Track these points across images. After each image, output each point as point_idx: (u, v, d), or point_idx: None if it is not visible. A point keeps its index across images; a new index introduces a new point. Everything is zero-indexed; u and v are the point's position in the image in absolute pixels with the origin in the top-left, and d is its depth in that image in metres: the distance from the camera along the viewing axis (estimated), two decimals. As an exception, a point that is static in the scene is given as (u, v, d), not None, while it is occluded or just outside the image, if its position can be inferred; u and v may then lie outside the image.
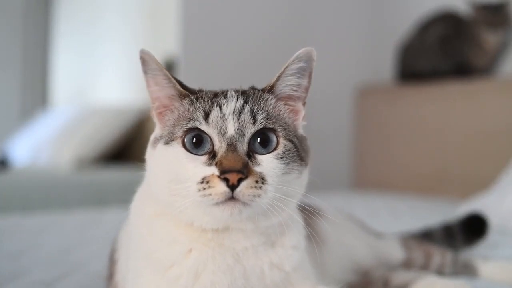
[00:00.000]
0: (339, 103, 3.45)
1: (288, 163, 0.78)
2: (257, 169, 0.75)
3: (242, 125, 0.77)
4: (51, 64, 5.26)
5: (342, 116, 3.45)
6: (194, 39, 2.99)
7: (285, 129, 0.81)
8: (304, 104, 0.86)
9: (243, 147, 0.76)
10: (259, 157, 0.77)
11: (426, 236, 1.41)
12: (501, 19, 2.63)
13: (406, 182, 2.93)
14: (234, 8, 3.11)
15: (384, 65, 3.34)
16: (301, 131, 0.86)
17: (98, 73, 4.57)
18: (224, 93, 0.81)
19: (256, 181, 0.74)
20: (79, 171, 3.35)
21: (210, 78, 2.90)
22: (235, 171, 0.72)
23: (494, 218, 1.72)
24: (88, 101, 4.55)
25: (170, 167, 0.77)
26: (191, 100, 0.81)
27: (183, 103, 0.81)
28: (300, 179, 0.82)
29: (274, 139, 0.79)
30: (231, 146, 0.75)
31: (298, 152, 0.81)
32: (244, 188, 0.73)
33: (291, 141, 0.80)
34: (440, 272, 1.22)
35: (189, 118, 0.78)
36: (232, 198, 0.73)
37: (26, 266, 1.33)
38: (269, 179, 0.75)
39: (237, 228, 0.80)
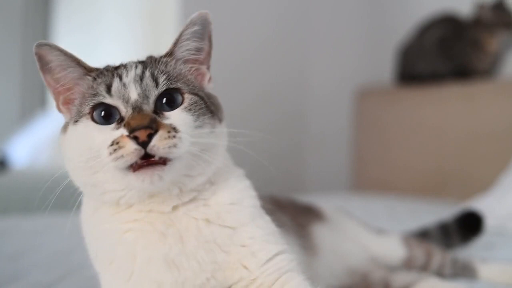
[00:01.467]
0: (338, 105, 3.46)
1: (198, 115, 0.78)
2: (166, 121, 0.74)
3: (145, 89, 0.76)
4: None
5: (342, 117, 3.45)
6: None
7: (189, 85, 0.81)
8: (208, 68, 0.86)
9: (149, 107, 0.75)
10: (167, 113, 0.76)
11: (423, 234, 1.41)
12: (506, 21, 2.63)
13: (405, 184, 2.93)
14: (233, 10, 3.12)
15: (384, 67, 3.34)
16: (209, 90, 0.85)
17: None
18: (124, 65, 0.81)
19: (169, 131, 0.72)
20: (78, 173, 3.34)
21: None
22: (143, 128, 0.71)
23: (492, 219, 1.72)
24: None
25: (83, 143, 0.76)
26: (93, 77, 0.80)
27: (86, 80, 0.80)
28: (215, 133, 0.80)
29: (179, 97, 0.78)
30: (137, 108, 0.75)
31: (206, 105, 0.80)
32: (158, 141, 0.71)
33: (196, 94, 0.80)
34: (439, 272, 1.22)
35: (93, 94, 0.77)
36: (146, 157, 0.71)
37: (25, 268, 1.33)
38: (181, 128, 0.74)
39: (163, 195, 0.78)
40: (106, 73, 0.80)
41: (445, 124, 2.81)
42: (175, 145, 0.72)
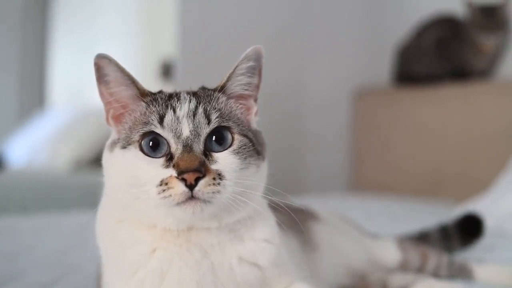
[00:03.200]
0: (336, 106, 3.46)
1: (245, 158, 0.80)
2: (213, 166, 0.76)
3: (197, 126, 0.78)
4: (48, 65, 5.25)
5: (340, 118, 3.46)
6: (192, 40, 2.99)
7: (239, 125, 0.82)
8: (255, 100, 0.87)
9: (199, 147, 0.77)
10: (216, 155, 0.78)
11: (423, 237, 1.41)
12: (495, 24, 2.63)
13: (402, 185, 2.93)
14: (232, 10, 3.12)
15: (382, 68, 3.34)
16: (255, 125, 0.87)
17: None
18: (178, 95, 0.82)
19: (214, 178, 0.75)
20: (76, 172, 3.34)
21: (207, 79, 2.90)
22: (192, 171, 0.73)
23: (490, 220, 1.72)
24: (86, 102, 4.53)
25: (129, 172, 0.78)
26: (147, 102, 0.81)
27: (140, 106, 0.81)
28: (259, 172, 0.82)
29: (229, 136, 0.80)
30: (187, 147, 0.76)
31: (253, 146, 0.82)
32: (203, 187, 0.74)
33: (245, 136, 0.82)
34: (435, 274, 1.22)
35: (145, 122, 0.79)
36: (192, 197, 0.74)
37: (23, 268, 1.33)
38: (226, 174, 0.76)
39: (202, 227, 0.80)
40: (159, 101, 0.81)
41: (442, 124, 2.81)
42: (218, 191, 0.75)
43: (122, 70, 0.80)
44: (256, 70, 0.85)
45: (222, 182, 0.75)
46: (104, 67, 0.80)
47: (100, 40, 4.59)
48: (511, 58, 2.75)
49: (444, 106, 2.81)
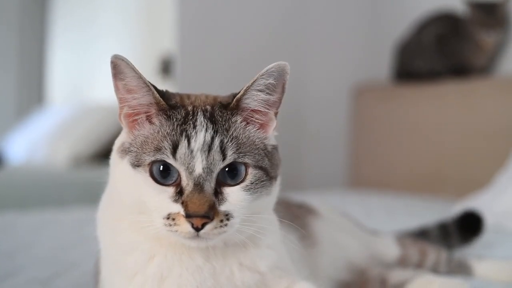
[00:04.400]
0: (335, 102, 3.45)
1: (257, 191, 0.77)
2: (222, 208, 0.75)
3: (211, 163, 0.75)
4: (47, 62, 5.24)
5: (339, 115, 3.45)
6: (191, 37, 2.98)
7: (255, 155, 0.78)
8: (276, 114, 0.82)
9: (210, 185, 0.75)
10: (226, 191, 0.76)
11: (422, 234, 1.41)
12: (495, 20, 2.63)
13: (402, 181, 2.93)
14: (231, 6, 3.11)
15: (381, 64, 3.34)
16: (272, 142, 0.83)
17: (95, 71, 4.55)
18: (194, 119, 0.77)
19: (221, 220, 0.74)
20: (75, 169, 3.34)
21: (206, 76, 2.90)
22: (200, 216, 0.73)
23: (489, 217, 1.72)
24: (85, 99, 4.53)
25: (137, 192, 0.76)
26: (162, 119, 0.77)
27: (153, 123, 0.78)
28: (270, 196, 0.81)
29: (243, 169, 0.77)
30: (198, 186, 0.74)
31: (267, 175, 0.79)
32: (209, 230, 0.74)
33: (260, 167, 0.78)
34: (434, 270, 1.22)
35: (157, 148, 0.75)
36: (198, 235, 0.74)
37: (21, 264, 1.33)
38: (235, 213, 0.75)
39: None
40: (174, 123, 0.76)
41: (442, 121, 2.81)
42: (224, 232, 0.75)
43: (139, 77, 0.77)
44: (277, 87, 0.79)
45: (229, 223, 0.75)
46: (120, 65, 0.77)
47: (99, 37, 4.58)
48: (511, 54, 2.75)
49: (444, 102, 2.81)
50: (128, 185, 0.78)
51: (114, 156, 0.82)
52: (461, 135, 2.69)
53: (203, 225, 0.73)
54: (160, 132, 0.76)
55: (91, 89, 4.63)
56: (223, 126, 0.77)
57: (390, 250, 1.24)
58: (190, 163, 0.74)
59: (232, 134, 0.77)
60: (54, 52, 5.19)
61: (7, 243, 1.56)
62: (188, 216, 0.73)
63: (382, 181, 3.04)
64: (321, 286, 0.88)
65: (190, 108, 0.79)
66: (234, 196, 0.76)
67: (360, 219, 1.36)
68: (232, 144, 0.76)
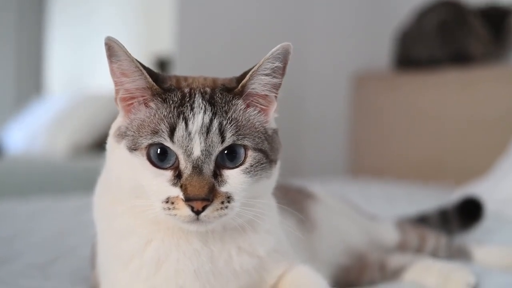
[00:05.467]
0: (335, 90, 3.44)
1: (256, 174, 0.76)
2: (223, 189, 0.74)
3: (209, 145, 0.73)
4: (46, 51, 5.22)
5: (339, 103, 3.44)
6: (189, 35, 2.97)
7: (255, 137, 0.77)
8: (276, 96, 0.81)
9: (209, 167, 0.73)
10: (226, 173, 0.75)
11: (422, 220, 1.41)
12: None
13: (402, 169, 2.93)
14: (229, 4, 3.08)
15: (382, 52, 3.32)
16: (272, 125, 0.82)
17: (93, 60, 4.54)
18: (191, 101, 0.75)
19: (222, 202, 0.73)
20: (74, 158, 3.33)
21: (204, 74, 2.88)
22: (200, 199, 0.71)
23: (489, 204, 1.72)
24: (83, 87, 4.52)
25: (134, 176, 0.75)
26: (158, 102, 0.76)
27: (149, 107, 0.76)
28: (269, 181, 0.80)
29: (242, 151, 0.76)
30: (197, 169, 0.72)
31: (267, 158, 0.78)
32: (210, 212, 0.72)
33: (260, 150, 0.77)
34: (434, 255, 1.22)
35: (154, 130, 0.74)
36: (198, 219, 0.73)
37: (19, 250, 1.33)
38: (235, 196, 0.74)
39: None
40: (171, 105, 0.75)
41: (442, 109, 2.80)
42: (225, 214, 0.74)
43: (131, 60, 0.75)
44: (281, 69, 0.79)
45: (230, 205, 0.73)
46: (114, 47, 0.75)
47: (97, 28, 4.57)
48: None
49: (445, 90, 2.79)
50: (125, 170, 0.76)
51: (111, 140, 0.80)
52: (462, 123, 2.69)
53: (203, 208, 0.72)
54: (156, 115, 0.75)
55: (89, 77, 4.62)
56: (222, 108, 0.76)
57: (390, 235, 1.24)
58: (188, 146, 0.73)
59: (231, 116, 0.76)
60: (52, 41, 5.17)
61: (5, 230, 1.55)
62: (188, 199, 0.71)
63: (382, 169, 3.04)
64: (319, 270, 0.88)
65: (187, 90, 0.77)
66: (234, 179, 0.75)
67: (360, 206, 1.36)
68: (231, 126, 0.75)
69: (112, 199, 0.82)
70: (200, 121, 0.74)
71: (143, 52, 3.94)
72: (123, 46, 0.75)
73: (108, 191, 0.83)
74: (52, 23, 5.16)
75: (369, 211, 1.34)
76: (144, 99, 0.77)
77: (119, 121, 0.80)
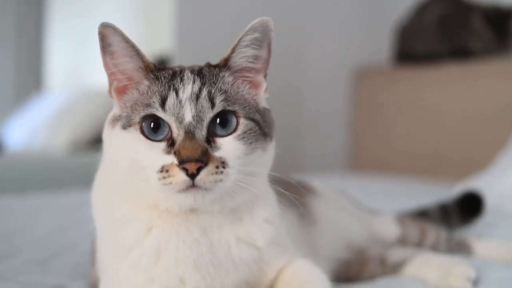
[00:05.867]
0: (335, 85, 3.44)
1: (250, 143, 0.77)
2: (217, 154, 0.74)
3: (200, 111, 0.75)
4: (45, 47, 5.21)
5: (339, 98, 3.43)
6: (189, 33, 2.96)
7: (245, 107, 0.78)
8: (265, 76, 0.84)
9: (201, 133, 0.74)
10: (219, 140, 0.75)
11: (422, 215, 1.40)
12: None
13: (402, 164, 2.92)
14: (229, 1, 3.07)
15: (381, 46, 3.31)
16: (263, 104, 0.83)
17: (93, 56, 4.52)
18: (181, 75, 0.78)
19: (217, 167, 0.73)
20: (74, 154, 3.33)
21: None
22: (193, 161, 0.71)
23: (489, 199, 1.71)
24: (83, 84, 4.51)
25: (129, 154, 0.76)
26: (149, 80, 0.78)
27: (142, 85, 0.78)
28: (265, 155, 0.80)
29: (234, 119, 0.77)
30: (189, 134, 0.73)
31: (260, 129, 0.79)
32: (205, 176, 0.72)
33: (252, 119, 0.78)
34: (434, 249, 1.22)
35: (146, 104, 0.76)
36: (193, 185, 0.72)
37: (19, 246, 1.33)
38: (230, 162, 0.74)
39: (204, 211, 0.79)
40: (162, 80, 0.77)
41: (442, 104, 2.79)
42: (221, 180, 0.73)
43: (127, 41, 0.77)
44: (263, 42, 0.80)
45: (225, 171, 0.73)
46: (108, 36, 0.77)
47: (98, 22, 4.55)
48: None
49: (445, 85, 2.78)
50: (120, 150, 0.77)
51: (106, 129, 0.81)
52: (462, 117, 2.68)
53: (198, 171, 0.71)
54: (149, 92, 0.77)
55: (89, 74, 4.61)
56: (210, 80, 0.78)
57: (390, 229, 1.23)
58: (179, 113, 0.74)
59: (220, 87, 0.78)
60: (52, 38, 5.16)
61: (5, 226, 1.55)
62: (181, 162, 0.71)
63: (382, 164, 3.03)
64: (320, 265, 0.87)
65: (177, 69, 0.80)
66: (228, 145, 0.75)
67: (360, 200, 1.35)
68: (220, 94, 0.77)
69: (111, 191, 0.82)
70: (190, 89, 0.76)
71: (143, 50, 3.92)
72: (119, 28, 0.77)
73: (106, 183, 0.83)
74: (52, 20, 5.15)
75: (369, 206, 1.34)
76: (136, 83, 0.79)
77: (114, 111, 0.82)
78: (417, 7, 2.92)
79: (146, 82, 0.78)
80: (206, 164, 0.72)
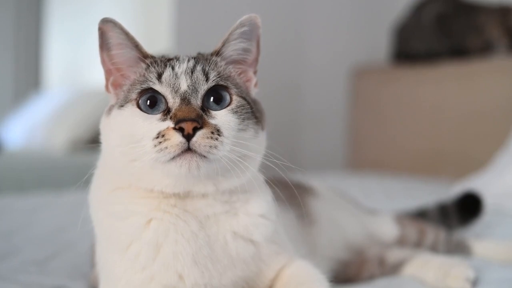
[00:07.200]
0: (334, 84, 3.44)
1: (243, 119, 0.79)
2: (212, 121, 0.76)
3: (195, 82, 0.78)
4: (44, 46, 5.20)
5: (337, 96, 3.44)
6: (187, 34, 2.95)
7: (237, 88, 0.82)
8: (255, 72, 0.87)
9: (197, 102, 0.77)
10: (214, 112, 0.78)
11: (421, 215, 1.40)
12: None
13: (401, 163, 2.92)
14: (228, 0, 3.07)
15: (380, 45, 3.31)
16: (254, 96, 0.86)
17: (91, 55, 4.52)
18: (177, 57, 0.82)
19: (212, 132, 0.74)
20: (72, 153, 3.33)
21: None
22: (190, 120, 0.73)
23: (488, 198, 1.72)
24: (82, 83, 4.51)
25: (126, 130, 0.77)
26: (148, 64, 0.81)
27: (139, 67, 0.81)
28: (257, 139, 0.81)
29: (227, 96, 0.80)
30: (185, 100, 0.76)
31: (252, 110, 0.81)
32: (200, 138, 0.73)
33: (244, 98, 0.81)
34: (433, 250, 1.22)
35: (143, 81, 0.79)
36: (188, 150, 0.73)
37: (18, 246, 1.33)
38: (224, 131, 0.76)
39: (199, 193, 0.79)
40: (159, 62, 0.81)
41: (441, 103, 2.79)
42: (215, 147, 0.74)
43: (126, 33, 0.80)
44: (252, 37, 0.84)
45: (220, 138, 0.74)
46: (108, 31, 0.80)
47: (95, 25, 4.54)
48: None
49: (443, 84, 2.78)
50: (117, 129, 0.79)
51: (103, 119, 0.83)
52: (460, 116, 2.68)
53: (194, 132, 0.72)
54: (146, 73, 0.80)
55: (88, 73, 4.61)
56: (204, 61, 0.82)
57: (389, 229, 1.23)
58: (175, 83, 0.77)
59: (213, 68, 0.81)
60: (51, 36, 5.15)
61: (4, 225, 1.55)
62: (178, 122, 0.73)
63: (381, 163, 3.03)
64: (318, 265, 0.87)
65: (173, 56, 0.84)
66: (222, 117, 0.77)
67: (359, 200, 1.35)
68: (214, 71, 0.80)
69: (109, 185, 0.82)
70: (185, 65, 0.79)
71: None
72: (119, 22, 0.80)
73: (104, 179, 0.83)
74: (50, 18, 5.13)
75: (368, 205, 1.34)
76: (134, 72, 0.82)
77: (110, 103, 0.84)
78: (415, 5, 2.92)
79: (143, 66, 0.81)
80: (201, 127, 0.73)
